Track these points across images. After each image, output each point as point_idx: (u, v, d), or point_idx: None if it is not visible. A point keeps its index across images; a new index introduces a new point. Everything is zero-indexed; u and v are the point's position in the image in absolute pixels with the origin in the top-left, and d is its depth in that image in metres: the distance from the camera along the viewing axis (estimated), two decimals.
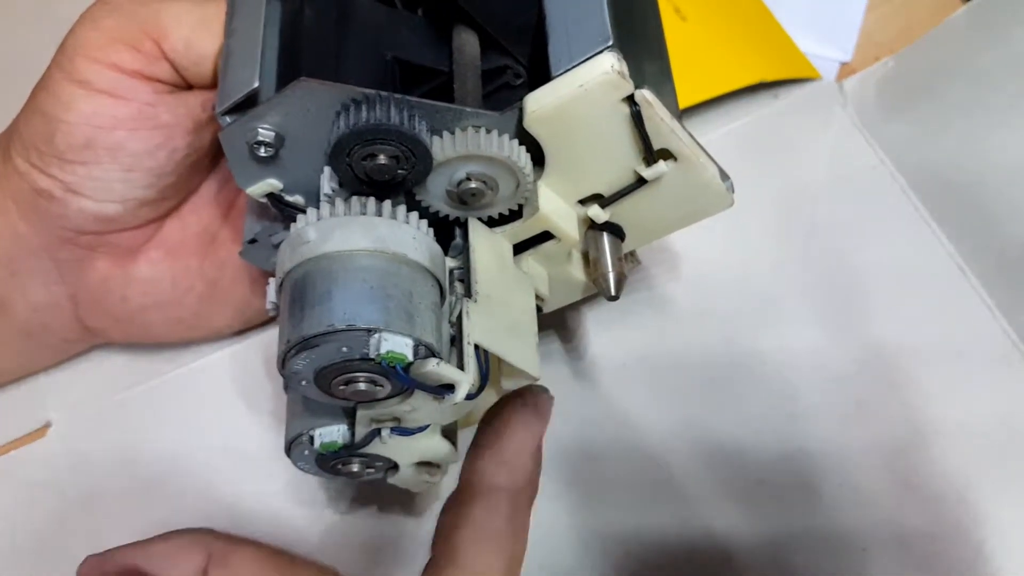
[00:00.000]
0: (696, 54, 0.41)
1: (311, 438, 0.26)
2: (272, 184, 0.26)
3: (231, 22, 0.27)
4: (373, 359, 0.22)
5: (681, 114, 0.27)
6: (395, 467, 0.28)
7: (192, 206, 0.33)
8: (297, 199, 0.26)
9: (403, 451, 0.28)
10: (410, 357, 0.22)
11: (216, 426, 0.36)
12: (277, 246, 0.28)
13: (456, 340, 0.24)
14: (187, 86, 0.29)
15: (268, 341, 0.37)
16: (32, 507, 0.35)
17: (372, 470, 0.28)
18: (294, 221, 0.25)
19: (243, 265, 0.34)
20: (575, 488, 0.34)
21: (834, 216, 0.40)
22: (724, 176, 0.27)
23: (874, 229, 0.39)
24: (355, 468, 0.28)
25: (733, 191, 0.27)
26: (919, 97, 0.40)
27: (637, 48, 0.25)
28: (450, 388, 0.23)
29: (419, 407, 0.25)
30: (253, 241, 0.29)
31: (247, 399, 0.36)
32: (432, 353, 0.23)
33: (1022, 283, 0.37)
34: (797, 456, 0.35)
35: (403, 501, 0.34)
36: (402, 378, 0.23)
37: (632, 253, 0.32)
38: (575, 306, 0.38)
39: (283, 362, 0.23)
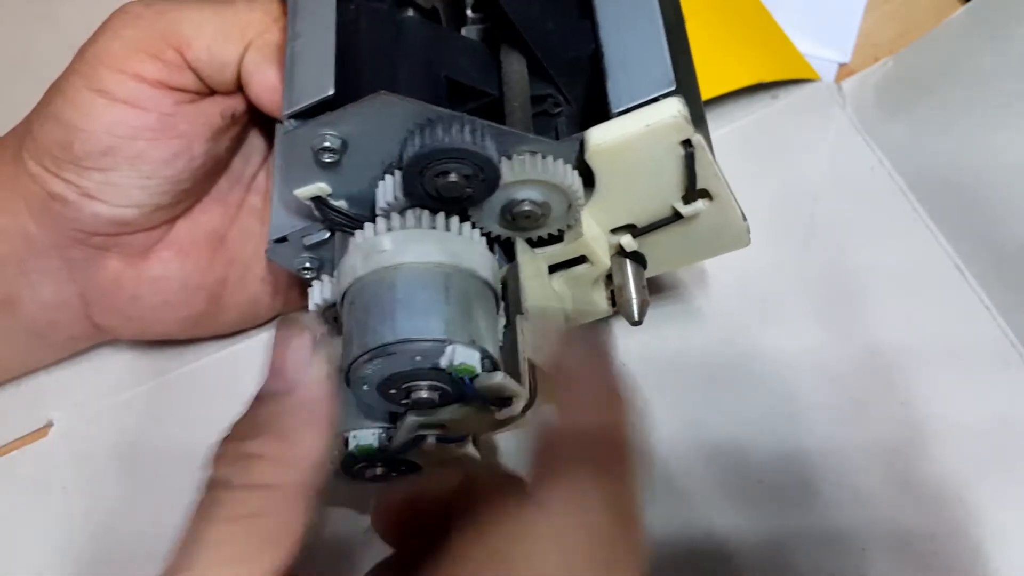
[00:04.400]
0: (695, 54, 0.41)
1: (345, 440, 0.27)
2: (322, 188, 0.26)
3: (294, 24, 0.27)
4: (443, 369, 0.23)
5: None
6: (416, 472, 0.29)
7: (203, 206, 0.33)
8: (342, 204, 0.27)
9: (431, 456, 0.28)
10: (478, 369, 0.23)
11: (218, 425, 0.36)
12: (310, 247, 0.29)
13: (507, 356, 0.25)
14: (209, 92, 0.29)
15: (271, 342, 0.37)
16: (34, 507, 0.35)
17: (395, 474, 0.28)
18: (336, 225, 0.25)
19: (251, 264, 0.34)
20: None
21: (833, 216, 0.40)
22: (743, 217, 0.29)
23: (873, 229, 0.39)
24: (379, 472, 0.28)
25: (750, 232, 0.29)
26: (918, 98, 0.40)
27: (687, 90, 0.26)
28: (506, 401, 0.24)
29: (468, 416, 0.26)
30: (282, 240, 0.29)
31: (250, 398, 0.36)
32: (495, 366, 0.24)
33: (1021, 283, 0.37)
34: (796, 456, 0.35)
35: None
36: (468, 389, 0.24)
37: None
38: None
39: (351, 367, 0.24)
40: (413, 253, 0.24)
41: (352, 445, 0.27)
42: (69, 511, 0.35)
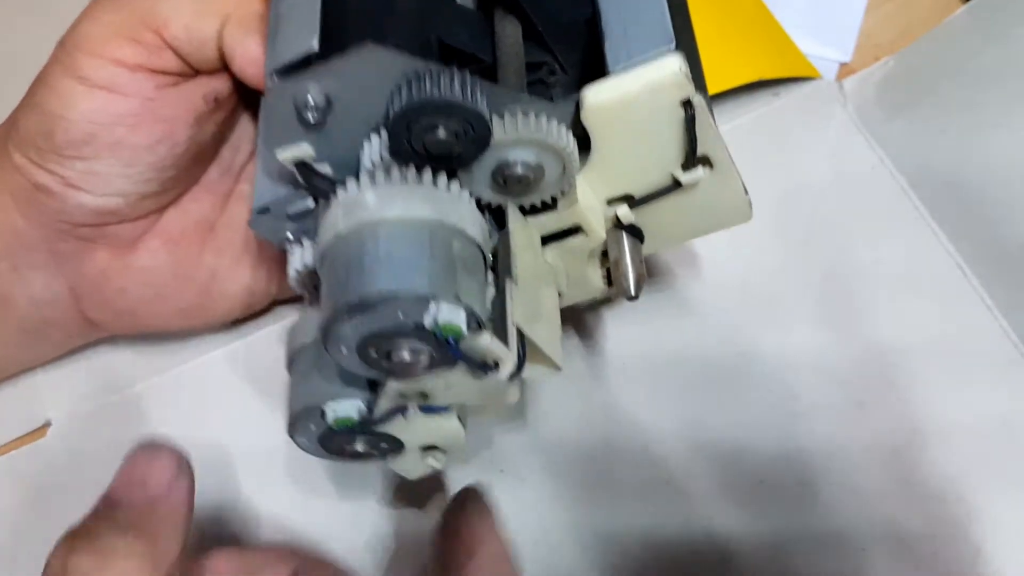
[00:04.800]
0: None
1: (323, 412, 0.26)
2: (304, 150, 0.25)
3: None
4: (427, 328, 0.22)
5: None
6: (399, 449, 0.28)
7: (192, 195, 0.33)
8: (326, 169, 0.26)
9: (415, 431, 0.27)
10: (464, 329, 0.22)
11: (217, 423, 0.36)
12: (294, 217, 0.27)
13: (496, 320, 0.24)
14: (193, 73, 0.29)
15: (269, 338, 0.37)
16: (32, 506, 0.35)
17: (376, 452, 0.28)
18: (320, 192, 0.24)
19: (242, 251, 0.34)
20: (575, 488, 0.34)
21: (834, 215, 0.40)
22: (745, 190, 0.28)
23: (874, 228, 0.39)
24: (360, 448, 0.27)
25: (751, 206, 0.28)
26: (919, 97, 0.40)
27: (688, 51, 0.25)
28: (491, 368, 0.23)
29: (454, 383, 0.25)
30: (264, 211, 0.28)
31: (248, 396, 0.36)
32: (482, 328, 0.23)
33: (1022, 283, 0.37)
34: (797, 456, 0.35)
35: (407, 496, 0.34)
36: (453, 350, 0.22)
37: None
38: (575, 307, 0.38)
39: (329, 325, 0.22)
40: (398, 208, 0.23)
41: (330, 417, 0.25)
42: (68, 511, 0.35)
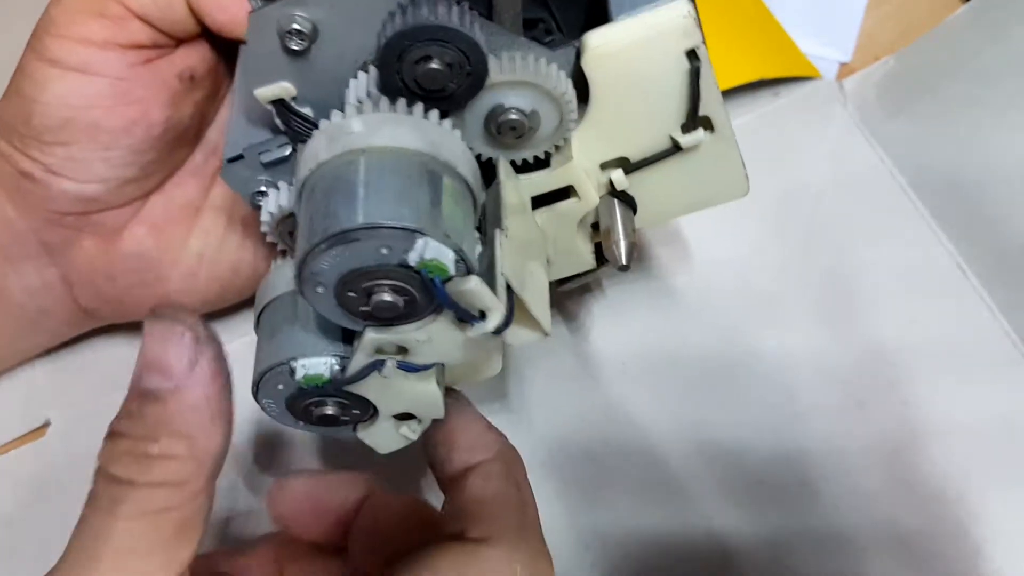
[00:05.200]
0: None
1: (291, 369, 0.24)
2: (286, 88, 0.24)
3: None
4: (412, 265, 0.21)
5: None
6: (370, 418, 0.26)
7: (177, 180, 0.33)
8: (307, 111, 0.25)
9: (391, 395, 0.25)
10: (451, 270, 0.21)
11: None
12: (269, 166, 0.26)
13: (485, 270, 0.23)
14: (166, 44, 0.29)
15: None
16: (32, 506, 0.35)
17: (347, 418, 0.26)
18: (300, 135, 0.23)
19: (228, 230, 0.33)
20: (575, 487, 0.34)
21: (834, 215, 0.40)
22: (743, 163, 0.27)
23: (874, 228, 0.39)
24: (330, 411, 0.25)
25: (748, 180, 0.27)
26: (919, 96, 0.40)
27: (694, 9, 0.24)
28: (477, 318, 0.22)
29: (435, 337, 0.23)
30: (237, 159, 0.26)
31: (248, 396, 0.36)
32: (470, 271, 0.21)
33: (1022, 283, 0.37)
34: (797, 456, 0.35)
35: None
36: (439, 292, 0.21)
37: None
38: (574, 305, 0.38)
39: (305, 260, 0.21)
40: (386, 136, 0.21)
41: (300, 374, 0.24)
42: (67, 511, 0.35)
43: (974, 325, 0.37)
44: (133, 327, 0.38)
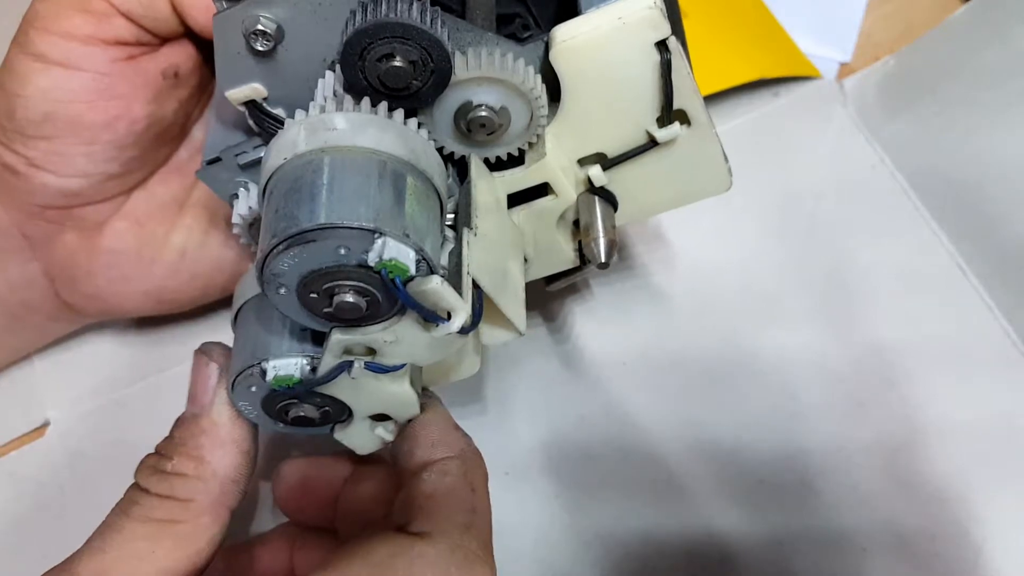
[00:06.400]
0: (697, 50, 0.41)
1: (263, 371, 0.24)
2: (256, 89, 0.24)
3: None
4: (371, 267, 0.20)
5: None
6: (346, 419, 0.26)
7: (160, 177, 0.32)
8: (279, 112, 0.25)
9: (364, 396, 0.25)
10: (412, 270, 0.20)
11: None
12: (245, 168, 0.26)
13: (451, 270, 0.23)
14: (149, 41, 0.29)
15: None
16: (32, 506, 0.35)
17: (322, 420, 0.26)
18: (271, 137, 0.23)
19: (210, 226, 0.33)
20: (575, 487, 0.34)
21: (834, 215, 0.40)
22: (725, 157, 0.26)
23: (874, 228, 0.39)
24: (304, 412, 0.25)
25: (731, 174, 0.27)
26: (919, 96, 0.40)
27: (671, 13, 0.24)
28: (442, 319, 0.22)
29: (402, 337, 0.23)
30: (215, 161, 0.26)
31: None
32: (432, 271, 0.21)
33: (1022, 283, 0.37)
34: (797, 456, 0.35)
35: None
36: (400, 293, 0.21)
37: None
38: (573, 304, 0.38)
39: (265, 261, 0.21)
40: (369, 138, 0.21)
41: (270, 375, 0.24)
42: (66, 510, 0.35)
43: (974, 325, 0.37)
44: (133, 329, 0.39)
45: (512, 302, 0.25)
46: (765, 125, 0.42)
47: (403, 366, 0.24)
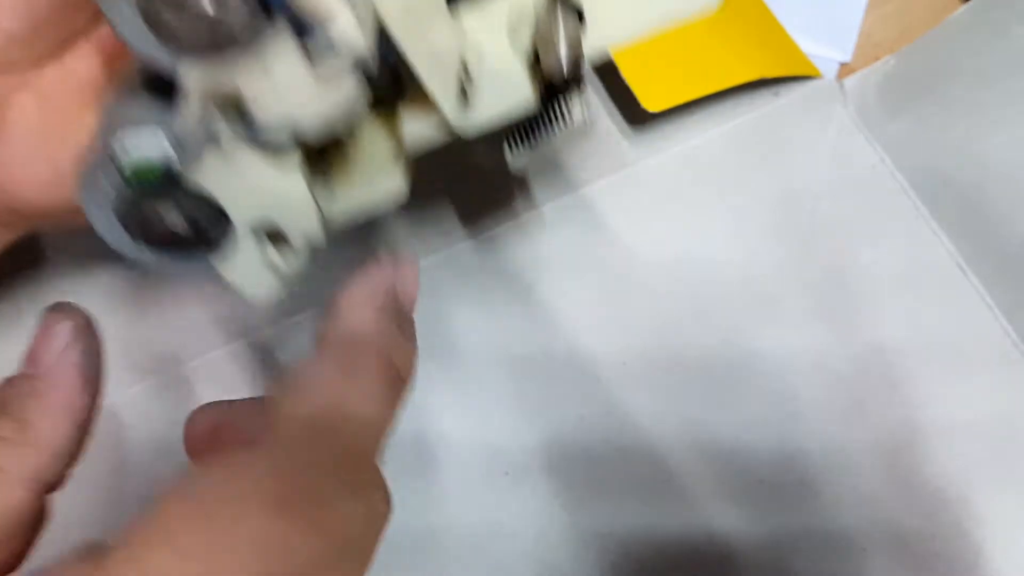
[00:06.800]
0: (697, 49, 0.41)
1: (114, 154, 0.19)
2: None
3: None
4: None
5: None
6: (226, 231, 0.21)
7: (80, 53, 0.28)
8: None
9: (242, 190, 0.20)
10: None
11: None
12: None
13: None
14: None
15: (268, 343, 0.37)
16: None
17: (196, 235, 0.21)
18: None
19: None
20: (574, 487, 0.34)
21: (834, 214, 0.40)
22: None
23: (874, 228, 0.39)
24: (172, 219, 0.20)
25: None
26: (920, 96, 0.40)
27: None
28: (318, 31, 0.17)
29: (275, 72, 0.18)
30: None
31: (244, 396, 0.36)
32: None
33: (1022, 283, 0.37)
34: (797, 456, 0.35)
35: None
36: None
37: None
38: (572, 303, 0.38)
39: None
40: None
41: (126, 160, 0.19)
42: (67, 510, 0.35)
43: (974, 325, 0.37)
44: (133, 329, 0.38)
45: (435, 69, 0.20)
46: (765, 124, 0.42)
47: (285, 131, 0.19)
